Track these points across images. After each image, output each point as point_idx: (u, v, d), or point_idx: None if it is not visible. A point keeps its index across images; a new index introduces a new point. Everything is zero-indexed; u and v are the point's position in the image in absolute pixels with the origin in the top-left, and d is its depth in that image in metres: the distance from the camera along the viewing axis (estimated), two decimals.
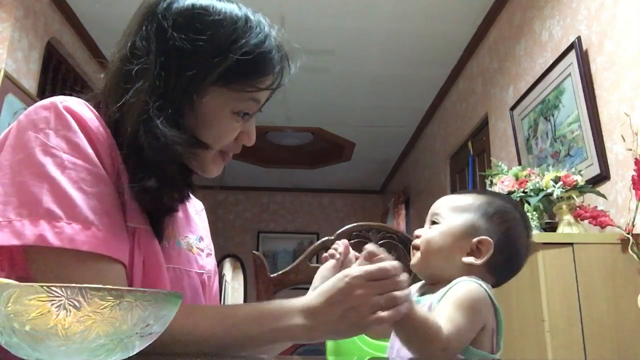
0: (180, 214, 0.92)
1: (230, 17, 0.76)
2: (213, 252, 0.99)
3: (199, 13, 0.75)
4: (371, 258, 0.71)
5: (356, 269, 0.69)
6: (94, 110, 0.75)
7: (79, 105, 0.73)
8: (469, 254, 0.85)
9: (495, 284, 0.87)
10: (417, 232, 0.91)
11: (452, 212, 0.88)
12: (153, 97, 0.72)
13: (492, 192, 0.93)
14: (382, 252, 0.71)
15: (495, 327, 0.81)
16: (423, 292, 0.89)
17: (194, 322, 0.70)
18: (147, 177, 0.72)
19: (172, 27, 0.74)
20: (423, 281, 0.92)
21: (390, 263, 0.69)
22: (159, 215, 0.79)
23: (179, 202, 0.86)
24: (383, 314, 0.66)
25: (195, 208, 1.01)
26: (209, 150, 0.79)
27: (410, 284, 0.71)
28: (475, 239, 0.84)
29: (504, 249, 0.85)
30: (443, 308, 0.76)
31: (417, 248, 0.88)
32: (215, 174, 0.85)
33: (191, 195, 0.95)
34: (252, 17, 0.79)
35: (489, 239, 0.84)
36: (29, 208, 0.65)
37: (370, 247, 0.73)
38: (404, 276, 0.69)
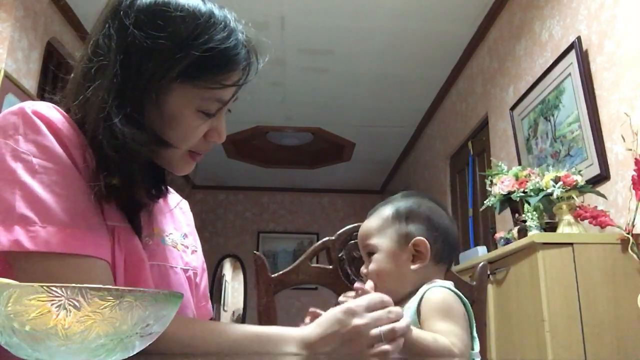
0: (163, 210, 0.92)
1: (192, 13, 0.75)
2: (199, 250, 0.99)
3: (160, 10, 0.74)
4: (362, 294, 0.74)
5: (355, 300, 0.71)
6: (63, 112, 0.75)
7: (47, 109, 0.73)
8: (413, 261, 0.88)
9: (448, 268, 0.93)
10: (363, 270, 0.93)
11: (377, 236, 0.91)
12: (112, 95, 0.72)
13: (390, 199, 0.96)
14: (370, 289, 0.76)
15: (468, 323, 0.84)
16: None
17: (190, 335, 0.71)
18: (109, 176, 0.71)
19: (133, 24, 0.73)
20: None
21: (385, 296, 0.71)
22: (132, 212, 0.79)
23: (155, 198, 0.86)
24: (384, 347, 0.67)
25: (178, 204, 1.01)
26: (176, 149, 0.78)
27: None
28: (410, 245, 0.88)
29: (437, 236, 0.89)
30: (433, 324, 0.79)
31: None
32: (186, 172, 0.84)
33: (171, 190, 0.95)
34: (217, 12, 0.77)
35: (421, 237, 0.88)
36: (2, 215, 0.66)
37: (358, 284, 0.77)
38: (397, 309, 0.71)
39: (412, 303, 0.84)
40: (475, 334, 0.85)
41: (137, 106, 0.73)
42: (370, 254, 0.91)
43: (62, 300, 0.41)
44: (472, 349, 0.83)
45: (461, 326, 0.78)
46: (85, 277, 0.67)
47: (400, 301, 0.90)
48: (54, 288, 0.41)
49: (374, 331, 0.68)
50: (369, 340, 0.68)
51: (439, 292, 0.83)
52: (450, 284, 0.86)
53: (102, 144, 0.72)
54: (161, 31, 0.73)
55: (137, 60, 0.73)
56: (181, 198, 1.01)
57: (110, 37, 0.74)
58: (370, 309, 0.70)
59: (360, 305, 0.70)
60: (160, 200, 0.92)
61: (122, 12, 0.74)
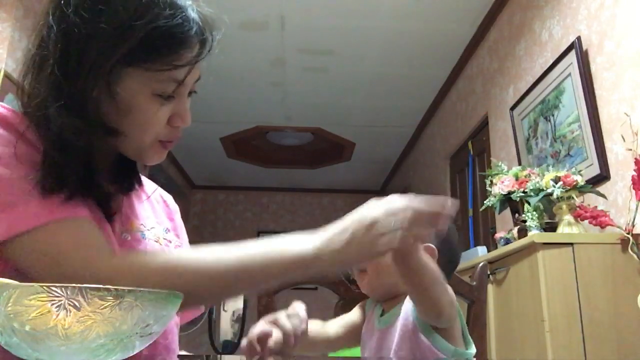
0: (144, 204, 0.91)
1: None
2: (185, 245, 0.97)
3: None
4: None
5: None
6: (10, 109, 0.75)
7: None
8: None
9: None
10: None
11: None
12: (49, 86, 0.71)
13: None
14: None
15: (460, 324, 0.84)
16: (382, 312, 0.91)
17: (204, 252, 0.70)
18: (44, 168, 0.69)
19: (73, 12, 0.71)
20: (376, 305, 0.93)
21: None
22: (101, 204, 0.77)
23: (126, 191, 0.86)
24: (396, 237, 0.65)
25: (162, 197, 1.00)
26: (140, 137, 0.76)
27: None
28: None
29: (444, 250, 0.88)
30: None
31: (364, 271, 0.90)
32: (157, 161, 0.81)
33: (147, 180, 0.93)
34: None
35: (432, 246, 0.86)
36: None
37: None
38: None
39: (407, 305, 0.83)
40: (469, 337, 0.84)
41: (78, 96, 0.71)
42: None
43: (62, 300, 0.41)
44: (466, 349, 0.83)
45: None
46: (81, 236, 0.68)
47: (391, 300, 0.89)
48: (54, 288, 0.41)
49: (389, 220, 0.65)
50: (385, 233, 0.65)
51: None
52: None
53: (40, 136, 0.71)
54: (102, 15, 0.71)
55: (77, 48, 0.71)
56: (157, 186, 0.98)
57: (51, 27, 0.73)
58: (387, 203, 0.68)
59: (371, 202, 0.68)
60: (142, 194, 0.91)
61: (63, 2, 0.73)
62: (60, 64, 0.71)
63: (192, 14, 0.75)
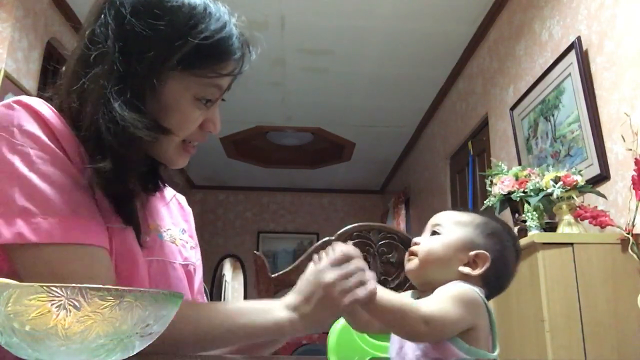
0: (162, 206, 0.92)
1: (188, 4, 0.77)
2: (197, 247, 0.99)
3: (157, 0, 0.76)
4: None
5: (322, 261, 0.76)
6: (52, 108, 0.76)
7: (40, 104, 0.74)
8: (465, 265, 0.88)
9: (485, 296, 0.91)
10: (417, 239, 0.93)
11: (453, 225, 0.91)
12: (112, 81, 0.73)
13: (490, 215, 0.96)
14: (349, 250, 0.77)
15: (489, 329, 0.84)
16: (415, 299, 0.91)
17: (197, 316, 0.74)
18: (104, 159, 0.72)
19: (130, 13, 0.74)
20: (412, 291, 0.94)
21: (351, 247, 0.76)
22: (125, 203, 0.78)
23: (151, 192, 0.87)
24: (355, 293, 0.70)
25: (176, 199, 1.01)
26: (172, 137, 0.79)
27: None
28: (472, 252, 0.88)
29: (497, 266, 0.89)
30: (431, 296, 0.81)
31: (414, 254, 0.91)
32: (181, 165, 0.85)
33: (168, 186, 0.95)
34: (211, 4, 0.79)
35: (486, 252, 0.87)
36: (3, 207, 0.66)
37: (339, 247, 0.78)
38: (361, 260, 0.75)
39: (435, 292, 0.84)
40: (497, 342, 0.86)
41: (137, 92, 0.74)
42: (434, 233, 0.92)
43: (62, 300, 0.41)
44: (492, 351, 0.84)
45: (453, 307, 0.77)
46: (88, 265, 0.68)
47: (428, 292, 0.90)
48: (54, 288, 0.41)
49: (344, 282, 0.71)
50: (342, 293, 0.71)
51: (461, 285, 0.83)
52: (480, 289, 0.86)
53: (100, 130, 0.72)
54: (159, 20, 0.74)
55: (136, 48, 0.74)
56: (175, 192, 1.00)
57: (108, 25, 0.75)
58: (336, 262, 0.73)
59: (325, 263, 0.74)
60: (158, 195, 0.92)
61: (117, 2, 0.76)
62: (121, 61, 0.73)
63: (235, 29, 0.80)
